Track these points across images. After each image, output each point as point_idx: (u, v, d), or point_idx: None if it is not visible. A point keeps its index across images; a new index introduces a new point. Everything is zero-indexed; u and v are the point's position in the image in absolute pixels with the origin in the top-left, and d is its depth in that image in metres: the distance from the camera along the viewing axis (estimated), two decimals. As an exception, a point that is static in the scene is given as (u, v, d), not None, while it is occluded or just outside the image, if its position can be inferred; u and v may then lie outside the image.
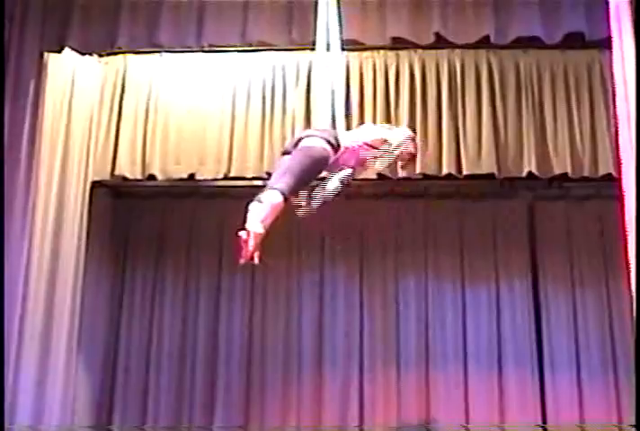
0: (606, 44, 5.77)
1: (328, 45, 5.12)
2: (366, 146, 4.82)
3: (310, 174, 4.45)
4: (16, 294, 6.32)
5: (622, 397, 7.60)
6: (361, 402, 7.98)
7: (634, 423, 4.74)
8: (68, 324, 6.85)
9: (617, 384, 7.70)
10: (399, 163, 5.18)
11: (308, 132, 4.71)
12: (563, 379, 7.82)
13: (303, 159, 4.46)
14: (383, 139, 4.87)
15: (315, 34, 5.19)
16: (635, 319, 5.02)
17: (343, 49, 5.27)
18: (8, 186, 6.37)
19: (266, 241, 7.84)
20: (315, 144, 4.50)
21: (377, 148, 4.86)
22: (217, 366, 8.13)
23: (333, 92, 4.97)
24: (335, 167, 4.72)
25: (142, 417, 8.02)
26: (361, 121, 7.17)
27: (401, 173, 4.97)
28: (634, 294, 5.03)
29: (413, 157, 5.17)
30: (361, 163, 4.90)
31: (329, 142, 4.55)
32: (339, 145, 4.63)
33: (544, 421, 7.69)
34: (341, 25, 5.22)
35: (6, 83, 6.47)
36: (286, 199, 4.19)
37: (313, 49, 5.62)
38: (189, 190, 8.14)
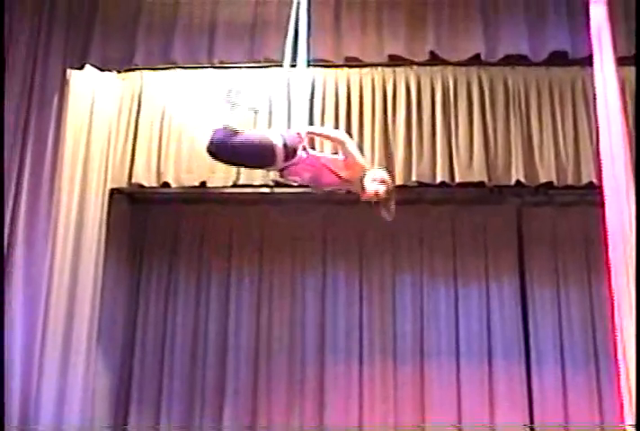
0: (588, 62, 5.81)
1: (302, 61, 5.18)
2: (325, 169, 4.76)
3: (248, 148, 4.54)
4: (40, 293, 6.36)
5: (603, 386, 7.61)
6: (361, 391, 7.98)
7: (634, 423, 4.75)
8: (88, 320, 6.91)
9: (599, 374, 7.72)
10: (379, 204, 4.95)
11: (276, 130, 4.75)
12: (548, 369, 7.83)
13: (255, 133, 4.65)
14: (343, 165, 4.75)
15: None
16: (635, 317, 5.05)
17: (309, 65, 5.32)
18: (33, 193, 6.42)
19: (274, 242, 7.97)
20: (273, 139, 4.55)
21: (337, 175, 4.76)
22: (226, 359, 8.14)
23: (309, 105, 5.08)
24: (289, 174, 4.73)
25: (157, 405, 8.04)
26: (361, 131, 7.24)
27: (387, 217, 4.89)
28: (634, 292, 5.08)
29: (388, 197, 4.92)
30: (315, 181, 4.87)
31: (285, 145, 4.56)
32: (295, 153, 4.61)
33: (530, 409, 7.71)
34: (309, 43, 5.27)
35: (32, 98, 6.54)
36: None
37: (315, 66, 5.68)
38: (200, 197, 8.14)
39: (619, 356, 5.05)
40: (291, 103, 7.23)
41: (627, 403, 4.95)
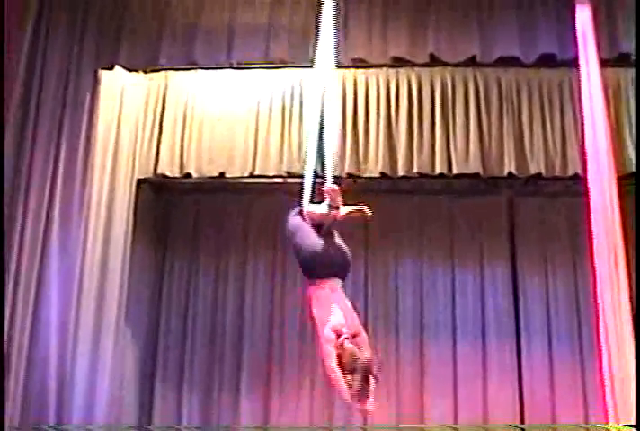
0: (574, 64, 5.92)
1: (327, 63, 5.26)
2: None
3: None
4: (73, 275, 6.46)
5: (586, 359, 7.68)
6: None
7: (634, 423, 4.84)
8: (117, 301, 6.98)
9: (582, 349, 7.80)
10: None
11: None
12: (536, 345, 7.93)
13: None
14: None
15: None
16: (635, 317, 5.15)
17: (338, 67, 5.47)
18: (67, 183, 6.52)
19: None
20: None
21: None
22: (243, 338, 8.23)
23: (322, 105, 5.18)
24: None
25: (179, 379, 8.18)
26: (367, 126, 7.31)
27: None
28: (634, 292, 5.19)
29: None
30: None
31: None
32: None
33: (519, 380, 7.81)
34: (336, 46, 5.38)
35: (67, 96, 6.65)
36: None
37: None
38: (219, 186, 8.20)
39: (601, 337, 5.17)
40: (303, 100, 7.38)
41: (608, 378, 5.08)
